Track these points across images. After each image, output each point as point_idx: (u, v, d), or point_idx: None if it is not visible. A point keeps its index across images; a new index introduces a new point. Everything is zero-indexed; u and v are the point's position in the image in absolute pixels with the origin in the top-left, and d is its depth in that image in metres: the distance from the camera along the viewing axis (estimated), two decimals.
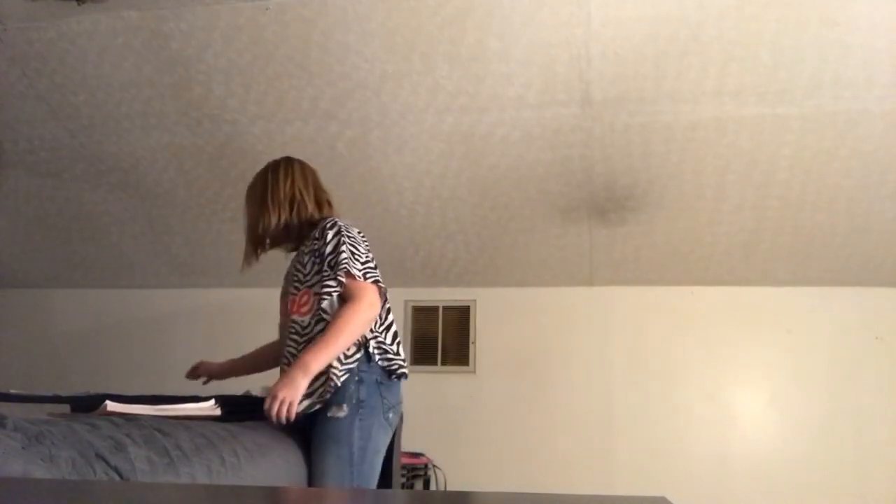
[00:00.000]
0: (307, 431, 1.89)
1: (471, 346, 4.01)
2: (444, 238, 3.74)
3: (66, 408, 1.85)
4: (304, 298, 1.95)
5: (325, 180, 3.77)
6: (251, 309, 4.21)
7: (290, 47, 2.87)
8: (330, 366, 1.83)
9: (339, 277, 1.87)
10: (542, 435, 3.79)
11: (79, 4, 2.76)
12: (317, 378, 1.84)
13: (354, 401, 1.84)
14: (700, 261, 3.68)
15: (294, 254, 2.11)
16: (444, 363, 4.02)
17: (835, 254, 3.52)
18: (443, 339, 4.06)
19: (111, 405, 1.64)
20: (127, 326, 4.31)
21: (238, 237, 3.92)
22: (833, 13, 2.53)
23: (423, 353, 4.05)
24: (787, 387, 3.68)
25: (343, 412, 1.83)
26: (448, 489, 3.59)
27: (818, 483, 3.50)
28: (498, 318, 4.02)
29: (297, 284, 1.99)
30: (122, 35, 2.90)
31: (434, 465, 3.66)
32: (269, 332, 4.41)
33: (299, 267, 2.01)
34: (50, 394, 2.11)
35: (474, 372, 3.97)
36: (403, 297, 4.05)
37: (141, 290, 4.36)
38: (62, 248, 4.12)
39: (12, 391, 2.35)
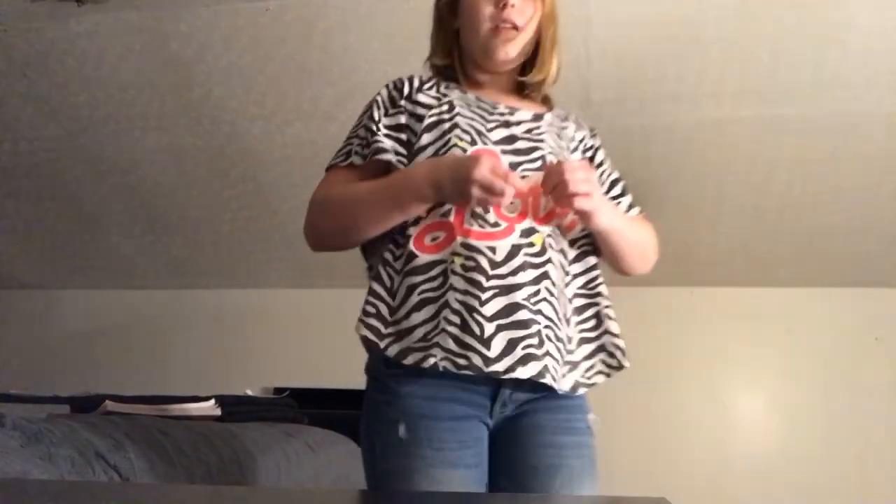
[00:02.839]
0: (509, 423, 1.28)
1: None
2: None
3: (65, 408, 1.85)
4: None
5: None
6: (251, 310, 4.20)
7: (291, 48, 2.87)
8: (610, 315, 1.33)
9: (635, 206, 1.48)
10: None
11: (79, 5, 2.76)
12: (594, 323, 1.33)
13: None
14: (700, 261, 3.68)
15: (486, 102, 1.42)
16: None
17: (835, 254, 3.51)
18: None
19: (111, 404, 1.64)
20: (127, 327, 4.30)
21: (238, 237, 3.94)
22: (833, 13, 2.52)
23: None
24: (787, 387, 3.68)
25: (598, 425, 1.37)
26: None
27: (818, 483, 3.49)
28: None
29: None
30: (122, 36, 2.90)
31: None
32: (268, 333, 4.40)
33: (564, 143, 1.41)
34: (50, 394, 2.12)
35: None
36: None
37: (141, 290, 4.35)
38: (62, 249, 4.11)
39: (12, 391, 2.35)
